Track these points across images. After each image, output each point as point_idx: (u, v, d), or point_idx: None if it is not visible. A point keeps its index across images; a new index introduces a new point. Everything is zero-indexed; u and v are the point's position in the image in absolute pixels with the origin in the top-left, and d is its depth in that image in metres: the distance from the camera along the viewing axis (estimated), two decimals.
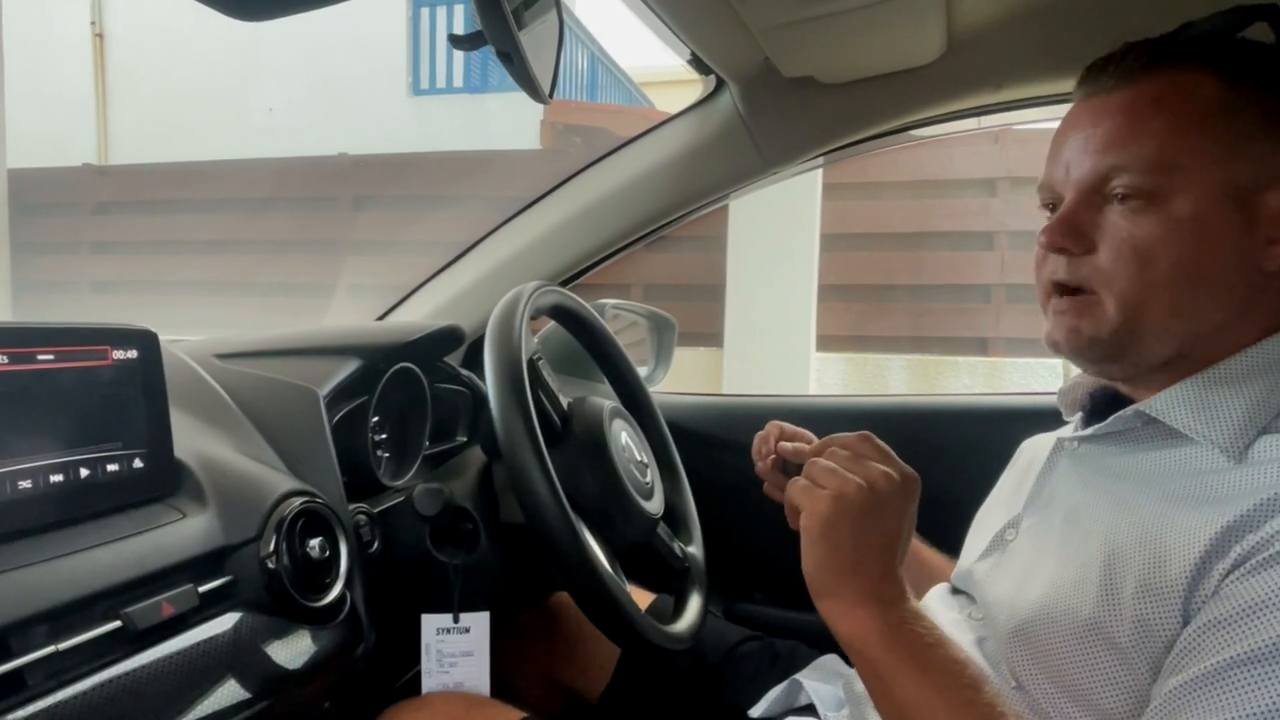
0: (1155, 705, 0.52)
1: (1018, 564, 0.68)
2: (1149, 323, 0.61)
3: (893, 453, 0.65)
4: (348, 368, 0.90)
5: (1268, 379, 0.59)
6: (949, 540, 0.88)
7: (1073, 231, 0.63)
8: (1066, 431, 0.73)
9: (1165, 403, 0.62)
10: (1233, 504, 0.54)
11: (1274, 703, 0.47)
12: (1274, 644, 0.48)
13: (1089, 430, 0.67)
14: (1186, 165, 0.59)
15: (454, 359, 1.17)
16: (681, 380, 1.52)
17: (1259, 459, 0.56)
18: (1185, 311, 0.60)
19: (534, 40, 0.64)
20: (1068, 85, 1.02)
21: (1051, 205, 0.67)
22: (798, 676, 0.90)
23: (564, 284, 1.24)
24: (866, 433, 0.67)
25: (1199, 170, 0.59)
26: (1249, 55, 0.61)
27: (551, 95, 0.68)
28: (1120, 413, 0.64)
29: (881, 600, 0.59)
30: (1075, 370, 0.75)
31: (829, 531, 0.60)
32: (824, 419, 1.34)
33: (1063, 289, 0.65)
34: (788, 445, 0.99)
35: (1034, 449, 0.80)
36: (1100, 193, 0.62)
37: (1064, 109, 1.08)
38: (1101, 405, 0.71)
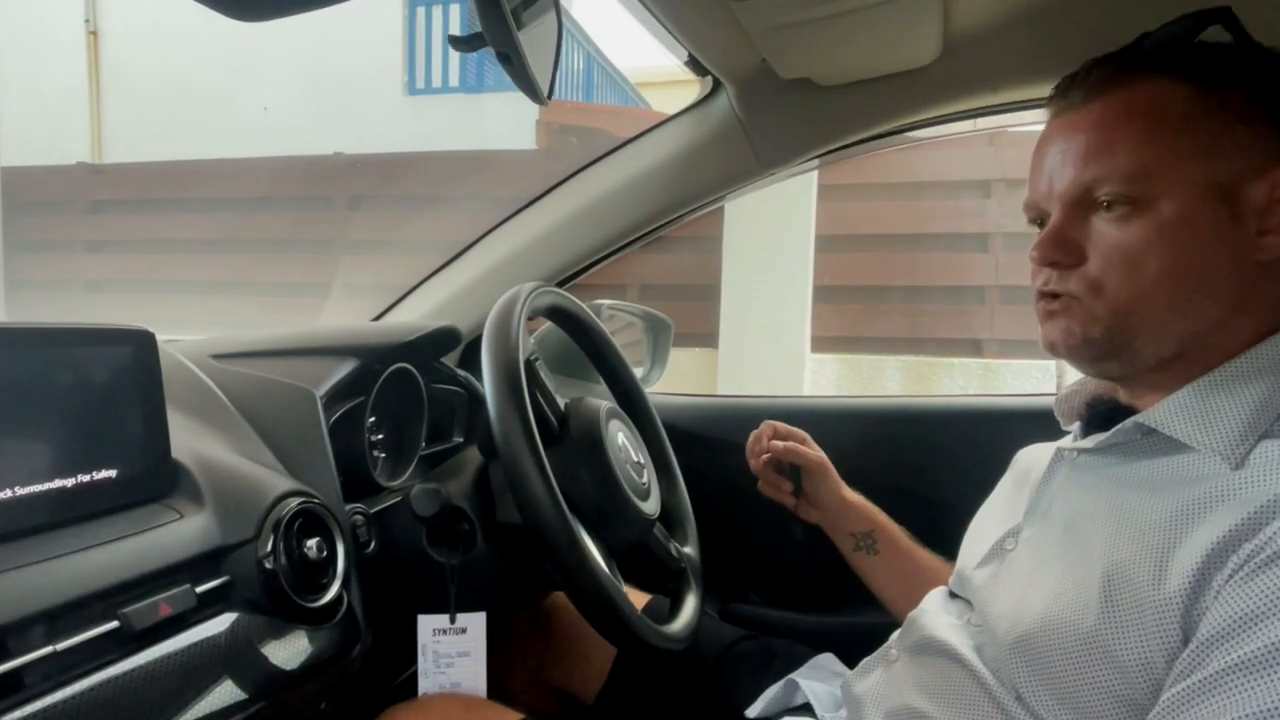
0: (1155, 713, 0.52)
1: (1018, 575, 0.68)
2: (1144, 323, 0.61)
3: None
4: (344, 368, 0.89)
5: (1267, 382, 0.59)
6: (945, 541, 0.88)
7: (1062, 244, 0.64)
8: (1065, 441, 0.73)
9: (1165, 413, 0.61)
10: (1230, 511, 0.54)
11: (1269, 704, 0.47)
12: (1270, 648, 0.48)
13: (1090, 444, 0.67)
14: (1165, 169, 0.60)
15: (450, 359, 1.17)
16: (676, 380, 1.52)
17: (1258, 463, 0.56)
18: (1182, 310, 0.61)
19: (533, 41, 0.64)
20: None
21: (1039, 222, 0.68)
22: (794, 676, 0.90)
23: (561, 284, 1.24)
24: None
25: (1178, 172, 0.60)
26: (1211, 56, 0.62)
27: (550, 96, 0.69)
28: (1120, 426, 0.64)
29: None
30: (1070, 374, 0.75)
31: None
32: (819, 420, 1.34)
33: (1054, 296, 0.66)
34: (779, 444, 1.01)
35: (1030, 458, 0.80)
36: (1085, 204, 0.63)
37: None
38: (1100, 415, 0.71)
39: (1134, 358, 0.63)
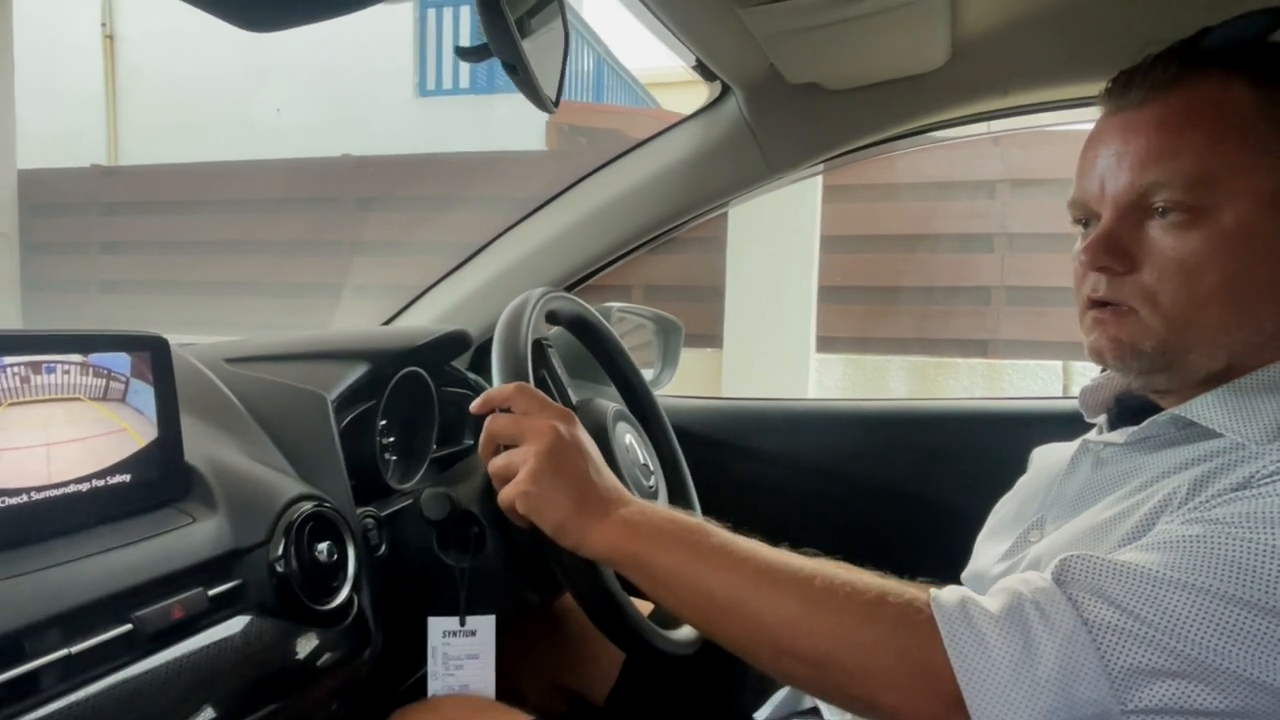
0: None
1: (1043, 566, 0.67)
2: (1198, 337, 0.60)
3: (540, 393, 0.73)
4: (356, 372, 0.90)
5: None
6: (952, 544, 0.88)
7: (1114, 249, 0.61)
8: (1091, 434, 0.72)
9: (1204, 406, 0.60)
10: (1243, 468, 0.55)
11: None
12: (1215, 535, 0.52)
13: (1120, 438, 0.66)
14: (1229, 177, 0.58)
15: (460, 363, 1.18)
16: (680, 381, 1.52)
17: None
18: (1237, 324, 0.59)
19: (538, 50, 0.65)
20: (1074, 90, 1.03)
21: (1084, 221, 0.66)
22: None
23: (570, 288, 1.25)
24: (519, 385, 0.72)
25: (1242, 180, 0.58)
26: (1277, 58, 0.60)
27: (557, 104, 0.69)
28: (1154, 418, 0.63)
29: (612, 506, 0.67)
30: (1078, 379, 0.75)
31: (549, 479, 0.66)
32: (826, 422, 1.34)
33: (1103, 304, 0.63)
34: None
35: (1048, 454, 0.79)
36: (1140, 209, 0.61)
37: (1070, 114, 1.09)
38: (1131, 409, 0.69)
39: (1184, 371, 0.62)
